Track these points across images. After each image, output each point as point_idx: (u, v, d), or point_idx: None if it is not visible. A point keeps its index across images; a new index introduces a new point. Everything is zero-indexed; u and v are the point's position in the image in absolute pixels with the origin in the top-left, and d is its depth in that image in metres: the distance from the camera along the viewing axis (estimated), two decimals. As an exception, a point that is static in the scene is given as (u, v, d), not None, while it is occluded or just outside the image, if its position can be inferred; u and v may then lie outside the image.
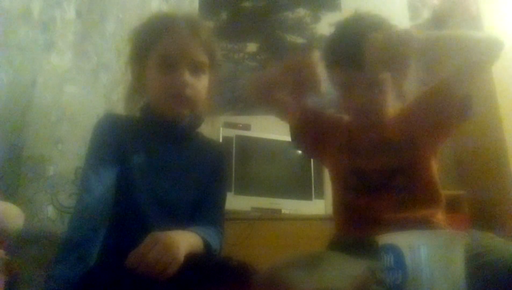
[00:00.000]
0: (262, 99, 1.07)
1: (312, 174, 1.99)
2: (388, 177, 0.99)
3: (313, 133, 1.13)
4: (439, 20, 2.25)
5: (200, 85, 1.00)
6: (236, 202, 1.75)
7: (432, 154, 1.04)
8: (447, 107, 0.98)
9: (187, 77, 0.97)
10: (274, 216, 1.83)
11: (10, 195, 1.07)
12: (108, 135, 0.99)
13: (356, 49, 0.93)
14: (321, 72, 1.00)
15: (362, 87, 0.98)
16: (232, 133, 1.96)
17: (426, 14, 2.42)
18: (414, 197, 0.98)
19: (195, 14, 1.11)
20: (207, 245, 0.92)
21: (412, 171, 0.99)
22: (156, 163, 0.99)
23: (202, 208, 1.03)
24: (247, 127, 2.09)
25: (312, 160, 2.02)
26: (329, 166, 1.14)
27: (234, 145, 1.91)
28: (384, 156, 1.01)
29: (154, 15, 1.06)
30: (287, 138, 2.06)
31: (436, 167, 1.05)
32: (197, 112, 1.06)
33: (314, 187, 1.97)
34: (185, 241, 0.84)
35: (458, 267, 0.68)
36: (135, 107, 1.06)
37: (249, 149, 2.00)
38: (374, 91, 0.99)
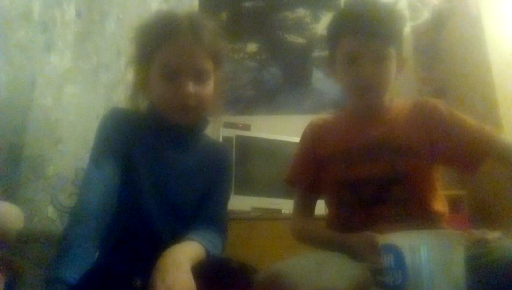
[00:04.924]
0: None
1: (312, 174, 1.99)
2: (383, 189, 0.96)
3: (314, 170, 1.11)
4: (439, 20, 2.25)
5: (204, 92, 0.98)
6: (236, 202, 1.74)
7: (433, 165, 1.01)
8: (456, 154, 0.98)
9: (191, 87, 0.95)
10: (274, 216, 1.83)
11: (10, 195, 1.07)
12: (115, 129, 0.97)
13: (368, 19, 0.96)
14: None
15: (368, 58, 0.97)
16: (232, 133, 1.95)
17: (426, 14, 2.42)
18: (411, 211, 0.94)
19: (200, 15, 1.07)
20: (207, 252, 0.91)
21: (409, 182, 0.96)
22: (161, 163, 0.99)
23: (206, 208, 1.02)
24: (247, 127, 2.09)
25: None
26: (323, 182, 1.09)
27: (234, 145, 1.91)
28: (379, 163, 0.97)
29: (157, 16, 1.03)
30: (287, 138, 2.08)
31: (438, 180, 1.01)
32: (202, 117, 1.06)
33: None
34: (188, 263, 0.83)
35: (458, 267, 0.68)
36: (139, 107, 1.05)
37: (249, 149, 2.00)
38: (380, 65, 0.98)
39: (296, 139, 2.07)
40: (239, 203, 1.77)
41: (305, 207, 1.13)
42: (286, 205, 1.89)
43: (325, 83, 2.41)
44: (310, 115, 2.30)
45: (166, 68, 0.96)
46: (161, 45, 0.96)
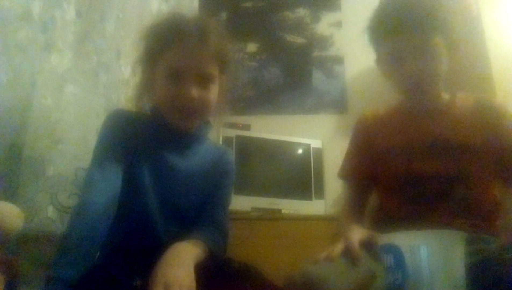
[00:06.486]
0: None
1: (312, 174, 1.99)
2: (446, 186, 0.94)
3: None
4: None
5: (208, 96, 0.98)
6: (236, 202, 1.73)
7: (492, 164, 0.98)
8: None
9: (194, 91, 0.94)
10: (274, 216, 1.83)
11: (10, 195, 1.07)
12: (117, 131, 0.97)
13: (404, 15, 0.94)
14: None
15: (413, 54, 0.95)
16: (232, 133, 1.96)
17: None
18: (472, 209, 0.92)
19: (208, 18, 1.06)
20: (210, 252, 0.92)
21: (472, 181, 0.94)
22: (163, 165, 0.99)
23: (208, 210, 1.02)
24: (247, 127, 2.10)
25: (312, 159, 2.02)
26: (379, 177, 1.07)
27: (234, 145, 1.91)
28: (443, 161, 0.96)
29: (165, 17, 1.02)
30: (287, 138, 2.09)
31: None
32: (206, 121, 1.06)
33: (314, 187, 1.97)
34: (191, 261, 0.83)
35: (458, 267, 0.68)
36: (144, 106, 1.05)
37: (249, 149, 2.00)
38: (427, 59, 0.95)
39: (296, 139, 2.09)
40: (239, 203, 1.77)
41: (357, 202, 1.09)
42: (286, 205, 1.89)
43: (325, 83, 2.41)
44: (310, 115, 2.33)
45: (171, 71, 0.95)
46: (167, 47, 0.96)
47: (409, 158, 0.99)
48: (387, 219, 1.01)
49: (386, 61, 1.02)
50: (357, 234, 0.82)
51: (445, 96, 1.05)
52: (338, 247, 0.78)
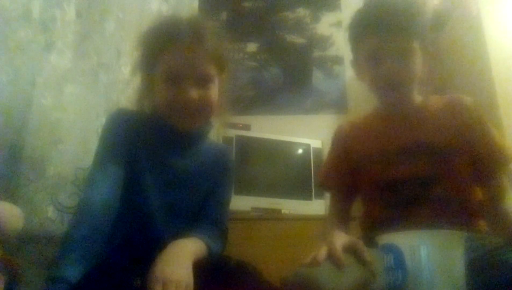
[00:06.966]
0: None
1: (312, 174, 1.99)
2: (424, 189, 0.95)
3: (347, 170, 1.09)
4: (439, 20, 2.25)
5: (208, 96, 0.98)
6: (236, 202, 1.74)
7: (469, 162, 0.99)
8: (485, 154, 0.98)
9: (194, 92, 0.95)
10: (274, 216, 1.83)
11: (10, 195, 1.07)
12: (119, 130, 0.97)
13: (388, 16, 0.95)
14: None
15: (392, 55, 0.96)
16: (232, 133, 1.95)
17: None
18: (452, 209, 0.93)
19: (203, 18, 1.07)
20: (209, 250, 0.92)
21: (449, 181, 0.95)
22: (164, 166, 0.99)
23: (208, 209, 1.03)
24: (247, 127, 2.09)
25: (312, 159, 2.02)
26: (359, 184, 1.08)
27: (234, 145, 1.91)
28: (418, 163, 0.97)
29: (160, 21, 1.03)
30: (287, 138, 2.09)
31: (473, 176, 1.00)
32: (206, 122, 1.06)
33: (314, 187, 1.97)
34: (190, 258, 0.83)
35: (458, 267, 0.68)
36: (145, 109, 1.05)
37: (249, 149, 2.00)
38: (404, 61, 0.96)
39: (296, 139, 2.09)
40: (239, 203, 1.77)
41: (340, 211, 1.09)
42: (286, 205, 1.89)
43: (325, 83, 2.41)
44: (310, 115, 2.34)
45: (168, 74, 0.96)
46: (163, 50, 0.96)
47: (386, 163, 1.00)
48: (371, 224, 1.02)
49: (363, 61, 1.03)
50: (340, 239, 0.81)
51: (418, 99, 1.06)
52: (322, 252, 0.78)
